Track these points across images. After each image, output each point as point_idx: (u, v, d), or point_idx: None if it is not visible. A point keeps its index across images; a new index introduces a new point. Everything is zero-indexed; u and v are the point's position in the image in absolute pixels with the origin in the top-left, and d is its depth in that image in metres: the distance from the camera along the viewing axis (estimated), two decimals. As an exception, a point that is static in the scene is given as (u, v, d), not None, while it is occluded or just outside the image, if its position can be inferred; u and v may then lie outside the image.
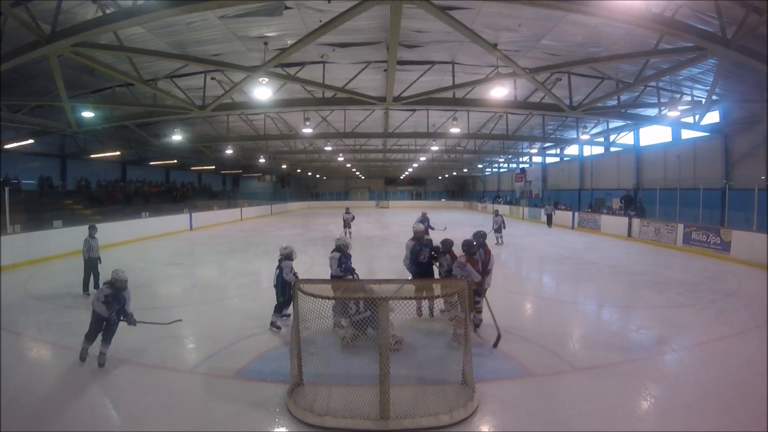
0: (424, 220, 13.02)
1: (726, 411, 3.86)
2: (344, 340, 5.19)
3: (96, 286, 7.67)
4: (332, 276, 6.16)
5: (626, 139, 21.21)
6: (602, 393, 4.23)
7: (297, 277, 5.95)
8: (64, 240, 12.59)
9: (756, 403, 3.97)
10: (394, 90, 10.53)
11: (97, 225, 8.73)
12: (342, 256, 6.14)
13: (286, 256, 6.18)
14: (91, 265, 7.98)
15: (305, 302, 4.01)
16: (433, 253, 6.61)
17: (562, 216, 22.61)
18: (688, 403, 4.03)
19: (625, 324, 6.57)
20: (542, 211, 24.16)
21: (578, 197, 26.05)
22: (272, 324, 6.05)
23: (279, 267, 6.15)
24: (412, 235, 6.86)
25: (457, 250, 6.09)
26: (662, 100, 12.99)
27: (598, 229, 19.13)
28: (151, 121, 15.66)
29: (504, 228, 15.17)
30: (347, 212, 17.56)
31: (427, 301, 6.22)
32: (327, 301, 4.02)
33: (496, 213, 15.83)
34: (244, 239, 17.83)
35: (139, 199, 22.86)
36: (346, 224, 17.35)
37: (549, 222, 22.53)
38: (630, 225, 16.96)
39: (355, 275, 6.16)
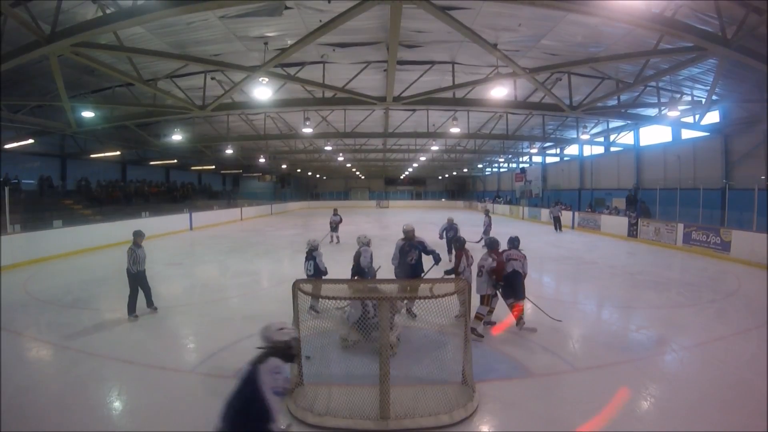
0: (450, 228, 11.19)
1: (726, 411, 3.86)
2: (345, 342, 5.16)
3: (149, 303, 6.84)
4: (358, 270, 6.30)
5: (626, 139, 21.21)
6: (602, 393, 4.23)
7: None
8: (64, 240, 12.60)
9: (756, 403, 3.97)
10: (394, 90, 10.53)
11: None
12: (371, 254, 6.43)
13: (315, 248, 6.94)
14: (139, 279, 6.72)
15: (305, 302, 4.00)
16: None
17: (562, 216, 22.48)
18: (688, 403, 4.03)
19: (625, 324, 6.57)
20: (548, 212, 22.24)
21: (578, 197, 26.05)
22: (311, 308, 6.05)
23: (311, 259, 6.84)
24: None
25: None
26: (662, 100, 12.99)
27: (598, 229, 19.14)
28: (151, 121, 15.67)
29: (490, 230, 14.15)
30: (335, 214, 15.86)
31: (407, 302, 5.91)
32: (334, 302, 4.01)
33: (486, 213, 15.34)
34: (244, 239, 17.83)
35: (139, 199, 22.86)
36: (333, 227, 15.41)
37: (557, 225, 20.15)
38: (636, 226, 16.78)
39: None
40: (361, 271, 6.31)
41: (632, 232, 16.81)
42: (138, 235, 6.80)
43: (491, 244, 6.17)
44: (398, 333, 5.11)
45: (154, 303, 6.92)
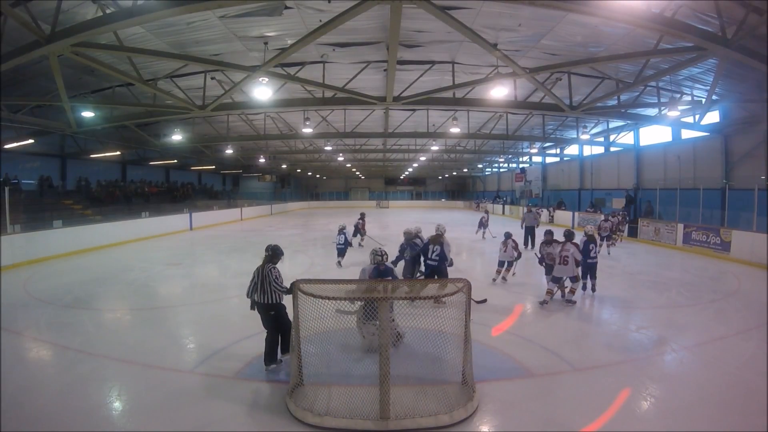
0: (409, 245, 8.18)
1: (726, 411, 3.86)
2: (372, 346, 4.85)
3: (285, 349, 4.63)
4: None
5: (626, 138, 21.19)
6: (602, 393, 4.23)
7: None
8: (64, 240, 12.60)
9: (756, 403, 3.97)
10: (394, 90, 10.53)
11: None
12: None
13: (345, 227, 11.11)
14: (277, 314, 4.66)
15: (306, 302, 3.99)
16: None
17: (562, 216, 22.43)
18: (688, 402, 4.03)
19: (625, 324, 6.57)
20: (521, 220, 15.82)
21: (578, 197, 26.04)
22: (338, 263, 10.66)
23: (341, 233, 10.81)
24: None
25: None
26: (662, 100, 12.98)
27: (599, 229, 19.09)
28: (151, 121, 15.67)
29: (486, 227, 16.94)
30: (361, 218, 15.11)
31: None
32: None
33: (486, 212, 17.95)
34: (244, 239, 17.82)
35: (139, 199, 22.86)
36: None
37: (528, 239, 13.87)
38: (636, 227, 16.64)
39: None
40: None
41: (637, 233, 16.53)
42: (274, 254, 4.91)
43: (570, 235, 7.40)
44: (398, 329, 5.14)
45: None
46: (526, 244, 13.70)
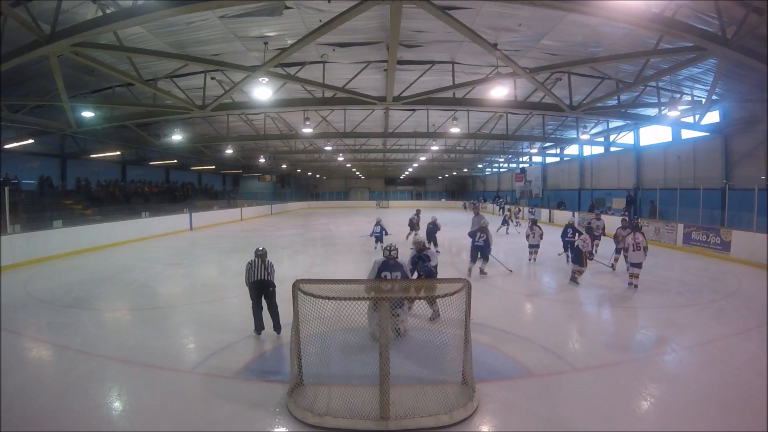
0: (419, 258, 6.88)
1: (726, 411, 3.86)
2: (375, 335, 4.99)
3: (278, 328, 5.76)
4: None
5: (626, 139, 21.20)
6: (602, 393, 4.24)
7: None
8: (64, 240, 12.61)
9: (756, 403, 3.97)
10: (394, 90, 10.53)
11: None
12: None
13: (381, 220, 13.93)
14: (273, 289, 5.81)
15: (306, 302, 3.99)
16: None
17: (561, 215, 22.35)
18: (688, 403, 4.03)
19: (625, 324, 6.57)
20: (474, 223, 10.64)
21: (578, 197, 26.03)
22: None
23: (378, 224, 13.53)
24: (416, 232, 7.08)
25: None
26: (662, 100, 12.99)
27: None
28: (151, 121, 15.69)
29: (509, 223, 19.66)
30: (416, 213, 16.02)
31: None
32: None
33: (509, 211, 20.74)
34: (244, 239, 17.82)
35: (139, 199, 22.87)
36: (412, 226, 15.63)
37: (477, 253, 9.39)
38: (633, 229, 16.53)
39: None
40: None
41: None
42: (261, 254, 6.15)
43: (638, 227, 8.97)
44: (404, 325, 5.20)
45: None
46: (473, 259, 9.52)
